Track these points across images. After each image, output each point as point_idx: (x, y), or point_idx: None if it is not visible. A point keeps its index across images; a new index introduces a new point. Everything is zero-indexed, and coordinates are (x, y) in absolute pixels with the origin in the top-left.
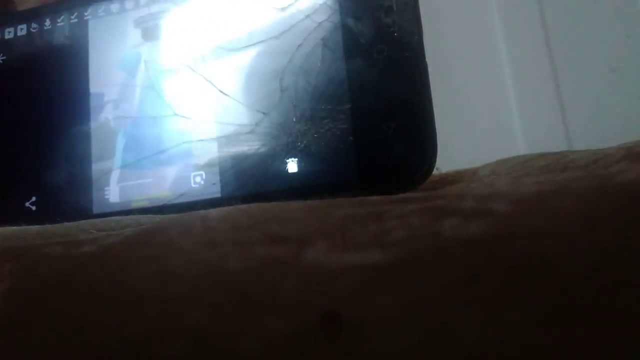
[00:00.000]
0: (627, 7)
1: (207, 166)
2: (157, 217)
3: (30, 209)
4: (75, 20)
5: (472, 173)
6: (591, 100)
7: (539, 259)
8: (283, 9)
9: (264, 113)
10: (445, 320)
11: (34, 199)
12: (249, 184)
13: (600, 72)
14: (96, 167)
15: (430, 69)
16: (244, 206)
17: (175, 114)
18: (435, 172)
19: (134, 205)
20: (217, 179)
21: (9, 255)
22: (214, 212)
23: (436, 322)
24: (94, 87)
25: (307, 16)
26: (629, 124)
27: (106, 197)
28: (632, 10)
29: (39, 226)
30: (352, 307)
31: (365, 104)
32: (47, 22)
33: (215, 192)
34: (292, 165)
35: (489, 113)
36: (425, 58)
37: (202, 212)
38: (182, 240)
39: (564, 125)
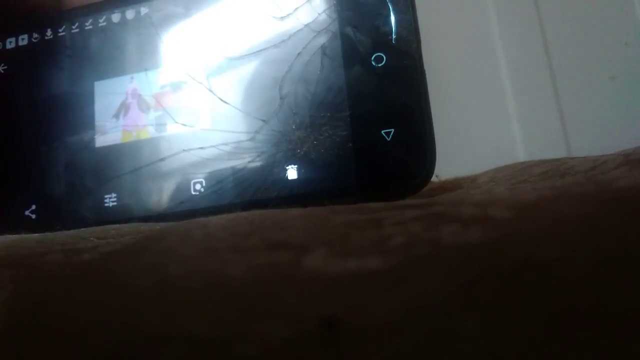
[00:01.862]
0: (626, 15)
1: (207, 173)
2: (157, 225)
3: (30, 217)
4: (78, 30)
5: (471, 180)
6: (590, 107)
7: (537, 264)
8: (283, 19)
9: (263, 121)
10: (444, 325)
11: (33, 207)
12: (249, 191)
13: (599, 79)
14: (96, 175)
15: (429, 76)
16: (243, 213)
17: (176, 122)
18: (434, 179)
19: (134, 213)
20: (217, 186)
21: (9, 262)
22: (213, 219)
23: (435, 328)
24: (95, 96)
25: (306, 25)
26: (627, 131)
27: (106, 205)
28: (630, 17)
29: (38, 234)
30: (352, 313)
31: (364, 111)
32: (49, 32)
33: (215, 199)
34: (292, 172)
35: (488, 120)
36: (423, 65)
37: (201, 219)
38: (181, 248)
39: (563, 132)
